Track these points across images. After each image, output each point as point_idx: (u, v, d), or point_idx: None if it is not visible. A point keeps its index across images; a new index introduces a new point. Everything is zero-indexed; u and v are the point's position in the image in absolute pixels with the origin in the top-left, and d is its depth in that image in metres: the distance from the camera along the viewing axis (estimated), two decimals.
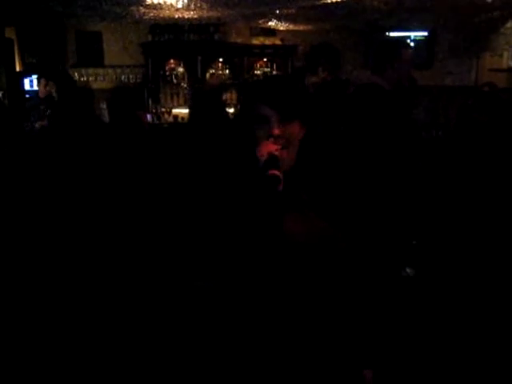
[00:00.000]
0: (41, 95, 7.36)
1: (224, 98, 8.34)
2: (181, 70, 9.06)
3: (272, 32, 9.25)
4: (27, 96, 7.81)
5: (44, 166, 5.99)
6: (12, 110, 7.02)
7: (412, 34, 8.94)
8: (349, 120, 3.82)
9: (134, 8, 6.88)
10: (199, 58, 8.93)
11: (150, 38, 8.83)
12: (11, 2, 6.40)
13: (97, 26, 8.68)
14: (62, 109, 6.05)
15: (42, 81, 7.37)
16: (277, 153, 1.65)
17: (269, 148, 1.65)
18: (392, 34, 8.62)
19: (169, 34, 8.83)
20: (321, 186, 1.91)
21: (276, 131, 1.66)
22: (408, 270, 4.35)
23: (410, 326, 3.57)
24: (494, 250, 3.97)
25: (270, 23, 8.48)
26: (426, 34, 8.98)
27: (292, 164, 1.76)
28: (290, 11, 7.24)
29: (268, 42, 9.32)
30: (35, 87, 7.64)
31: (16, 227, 5.13)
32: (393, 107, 3.74)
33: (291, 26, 8.71)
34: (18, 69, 7.98)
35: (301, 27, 8.79)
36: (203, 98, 7.80)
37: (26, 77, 8.04)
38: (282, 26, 8.74)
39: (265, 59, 9.27)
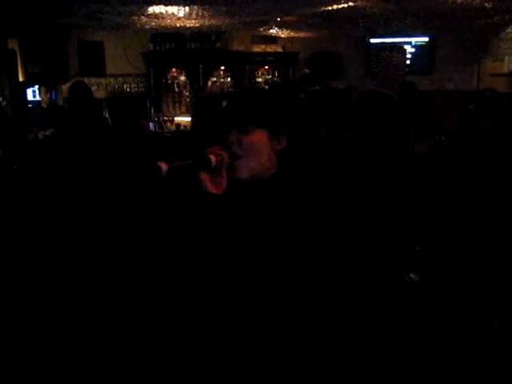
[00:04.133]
0: (43, 105, 7.40)
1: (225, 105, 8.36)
2: (182, 78, 9.10)
3: (273, 39, 9.29)
4: (30, 106, 7.84)
5: (51, 176, 6.03)
6: (15, 121, 7.05)
7: (413, 40, 8.97)
8: (352, 127, 3.84)
9: (135, 17, 6.93)
10: (201, 66, 8.97)
11: (151, 46, 8.87)
12: (14, 14, 6.43)
13: (98, 35, 8.72)
14: (75, 117, 6.07)
15: (43, 89, 7.41)
16: (212, 155, 1.65)
17: (211, 150, 1.67)
18: (393, 40, 8.65)
19: (170, 42, 8.88)
20: (326, 191, 1.92)
21: (231, 139, 1.69)
22: (412, 275, 4.35)
23: (414, 331, 3.56)
24: (498, 254, 3.97)
25: (271, 31, 8.52)
26: (426, 39, 9.00)
27: (268, 172, 1.76)
28: (291, 19, 7.27)
29: (269, 49, 9.35)
30: (38, 97, 7.67)
31: (19, 233, 5.17)
32: (394, 112, 3.75)
33: (292, 34, 8.75)
34: (21, 79, 8.01)
35: (302, 34, 8.83)
36: (204, 106, 7.84)
37: (28, 87, 8.07)
38: (283, 34, 8.79)
39: (266, 66, 9.31)
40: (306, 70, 7.08)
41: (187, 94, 9.06)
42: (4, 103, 6.70)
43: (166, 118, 8.94)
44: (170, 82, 9.06)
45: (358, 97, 3.88)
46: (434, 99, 6.97)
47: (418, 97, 4.92)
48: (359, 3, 6.22)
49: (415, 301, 3.97)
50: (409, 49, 8.63)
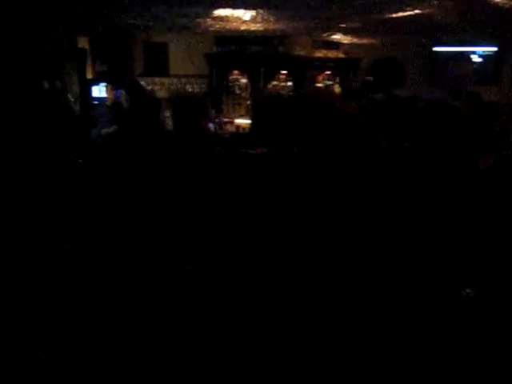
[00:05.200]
0: (108, 103, 7.61)
1: None
2: (244, 81, 9.18)
3: (335, 45, 9.26)
4: (95, 103, 8.07)
5: (109, 171, 6.20)
6: (82, 117, 7.26)
7: (479, 50, 8.78)
8: (419, 136, 3.79)
9: (201, 20, 7.04)
10: (262, 69, 9.03)
11: (214, 49, 8.99)
12: (84, 14, 6.63)
13: (163, 37, 8.92)
14: (130, 117, 6.25)
15: (109, 87, 7.62)
16: None
17: None
18: (458, 49, 8.47)
19: (233, 45, 8.97)
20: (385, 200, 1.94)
21: None
22: (468, 290, 4.27)
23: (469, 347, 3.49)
24: None
25: (334, 36, 8.50)
26: (493, 49, 8.79)
27: None
28: (354, 25, 7.24)
29: (331, 54, 9.32)
30: (103, 95, 7.90)
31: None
32: (460, 125, 3.70)
33: (355, 40, 8.70)
34: (90, 77, 8.25)
35: (365, 41, 8.77)
36: (263, 109, 7.89)
37: (95, 84, 8.32)
38: (346, 39, 8.75)
39: (327, 72, 9.28)
40: (369, 78, 7.02)
41: (247, 96, 9.14)
42: (72, 100, 6.92)
43: (226, 120, 9.05)
44: (231, 84, 9.17)
45: (425, 106, 3.83)
46: (500, 111, 6.79)
47: (484, 109, 4.81)
48: (426, 11, 6.14)
49: (471, 315, 3.89)
50: (475, 58, 8.44)
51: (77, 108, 7.15)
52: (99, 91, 8.31)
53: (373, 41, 8.72)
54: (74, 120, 6.79)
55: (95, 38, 8.42)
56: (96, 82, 8.35)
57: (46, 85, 5.82)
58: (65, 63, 6.72)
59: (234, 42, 8.97)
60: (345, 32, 8.00)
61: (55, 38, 6.44)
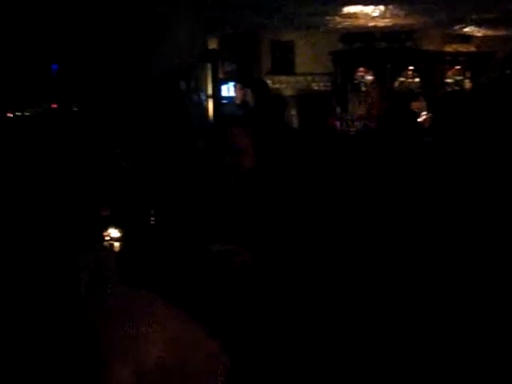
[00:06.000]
0: (237, 101, 7.83)
1: (413, 106, 8.22)
2: (369, 77, 9.08)
3: (466, 39, 8.92)
4: (224, 102, 8.34)
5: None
6: (215, 116, 7.55)
7: None
8: None
9: (329, 18, 7.09)
10: (388, 65, 8.88)
11: (340, 46, 8.97)
12: (219, 16, 6.89)
13: (290, 35, 9.03)
14: (256, 115, 6.41)
15: (238, 86, 7.85)
16: None
17: None
18: None
19: (359, 42, 8.92)
20: None
21: None
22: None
23: None
24: None
25: (465, 29, 8.21)
26: None
27: None
28: (489, 16, 6.95)
29: (461, 48, 8.99)
30: (231, 94, 8.14)
31: None
32: None
33: (489, 32, 8.33)
34: (220, 76, 8.56)
35: (499, 33, 8.37)
36: (391, 106, 7.76)
37: (223, 83, 8.60)
38: (479, 32, 8.41)
39: (457, 67, 8.96)
40: (508, 71, 6.70)
41: (374, 93, 9.02)
42: (204, 99, 7.21)
43: (351, 117, 8.99)
44: (356, 81, 9.09)
45: None
46: None
47: None
48: None
49: None
50: None
51: (209, 106, 7.43)
52: (228, 90, 8.57)
53: (508, 33, 8.31)
54: (207, 118, 7.07)
55: (224, 38, 8.70)
56: (225, 81, 8.63)
57: (183, 85, 6.10)
58: (198, 64, 7.00)
59: (360, 39, 8.93)
60: (478, 24, 7.70)
61: (191, 40, 6.72)
